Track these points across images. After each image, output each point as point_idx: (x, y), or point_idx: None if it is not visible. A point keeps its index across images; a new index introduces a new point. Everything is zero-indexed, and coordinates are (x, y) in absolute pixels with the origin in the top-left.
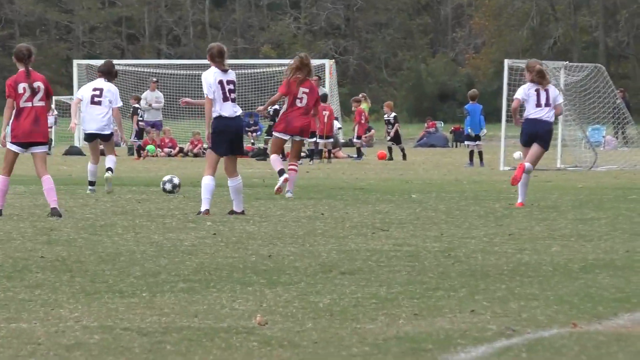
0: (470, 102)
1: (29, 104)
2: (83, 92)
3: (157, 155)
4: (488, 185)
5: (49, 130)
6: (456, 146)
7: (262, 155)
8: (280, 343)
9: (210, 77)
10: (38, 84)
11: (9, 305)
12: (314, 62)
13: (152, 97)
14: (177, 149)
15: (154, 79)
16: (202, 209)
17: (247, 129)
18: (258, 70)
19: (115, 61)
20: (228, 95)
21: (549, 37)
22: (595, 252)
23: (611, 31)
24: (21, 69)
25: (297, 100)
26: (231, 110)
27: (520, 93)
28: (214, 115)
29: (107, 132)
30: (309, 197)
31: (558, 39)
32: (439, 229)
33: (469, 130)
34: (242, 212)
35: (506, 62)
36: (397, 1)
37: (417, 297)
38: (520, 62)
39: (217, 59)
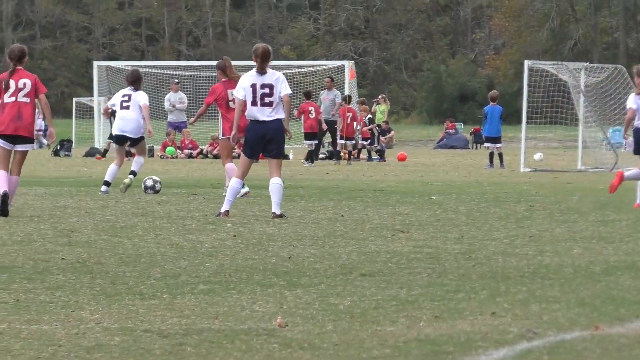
0: (491, 103)
1: (13, 99)
2: (114, 101)
3: (177, 157)
4: (508, 187)
5: (38, 132)
6: (476, 148)
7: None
8: (300, 345)
9: (245, 80)
10: (24, 81)
11: (29, 307)
12: (334, 64)
13: (175, 99)
14: (197, 150)
15: (176, 81)
16: (222, 209)
17: None
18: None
19: (135, 63)
20: (258, 99)
21: (569, 38)
22: (617, 254)
23: (632, 32)
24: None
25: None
26: (258, 113)
27: (631, 102)
28: (247, 117)
29: (137, 135)
30: (329, 199)
31: (578, 39)
32: (460, 230)
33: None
34: (280, 216)
35: (526, 63)
36: (417, 2)
37: (438, 299)
38: (540, 63)
39: (258, 59)
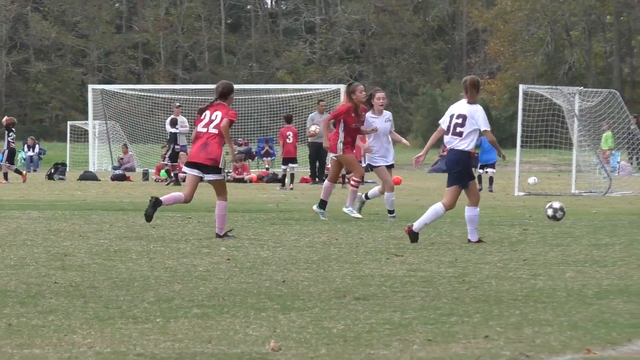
0: None
1: (204, 130)
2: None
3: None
4: (503, 210)
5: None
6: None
7: (276, 180)
8: None
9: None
10: (217, 114)
11: (22, 331)
12: (329, 87)
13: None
14: None
15: (177, 104)
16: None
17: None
18: (273, 96)
19: (130, 86)
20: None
21: (564, 62)
22: (610, 277)
23: (626, 57)
24: None
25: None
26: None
27: None
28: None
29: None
30: (324, 223)
31: (573, 64)
32: (454, 254)
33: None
34: (478, 241)
35: (521, 87)
36: (412, 26)
37: (431, 322)
38: (535, 87)
39: (466, 90)
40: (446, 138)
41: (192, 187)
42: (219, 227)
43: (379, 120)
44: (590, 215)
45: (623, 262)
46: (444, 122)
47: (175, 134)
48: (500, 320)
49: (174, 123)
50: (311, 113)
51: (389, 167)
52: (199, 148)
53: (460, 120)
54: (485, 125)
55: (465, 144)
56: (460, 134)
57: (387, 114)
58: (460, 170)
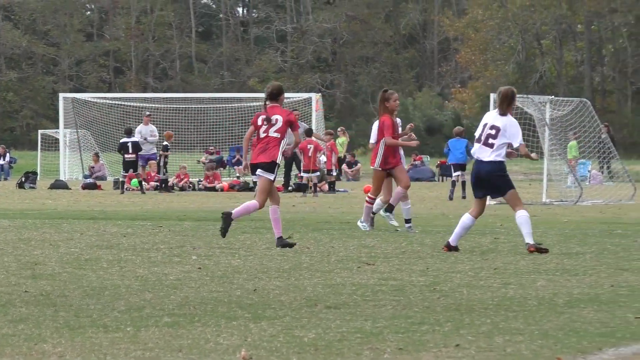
0: (456, 137)
1: (265, 134)
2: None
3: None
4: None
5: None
6: (442, 180)
7: (248, 189)
8: None
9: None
10: (276, 117)
11: None
12: (301, 96)
13: (147, 131)
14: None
15: (147, 113)
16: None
17: (232, 162)
18: (244, 104)
19: (101, 95)
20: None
21: (535, 71)
22: (580, 286)
23: (597, 66)
24: None
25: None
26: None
27: None
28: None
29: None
30: (295, 231)
31: (544, 73)
32: (425, 263)
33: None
34: (534, 247)
35: (492, 96)
36: (383, 35)
37: (402, 331)
38: None
39: (502, 103)
40: (476, 146)
41: (272, 193)
42: (276, 230)
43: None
44: (561, 224)
45: (594, 271)
46: (477, 131)
47: (125, 143)
48: (471, 329)
49: (128, 132)
50: None
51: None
52: (258, 151)
53: (493, 132)
54: (518, 141)
55: (496, 155)
56: (491, 145)
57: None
58: (499, 180)
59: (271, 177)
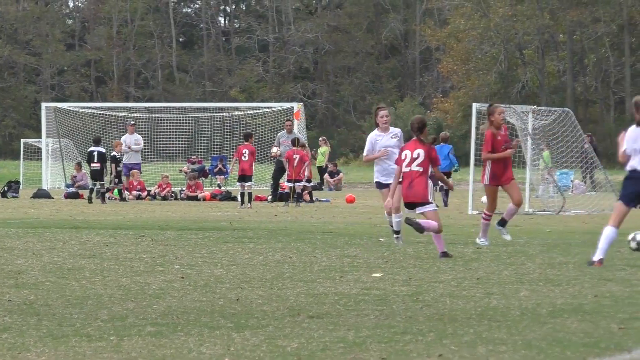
0: (442, 143)
1: (408, 169)
2: None
3: (124, 199)
4: (456, 229)
5: None
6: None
7: (230, 198)
8: None
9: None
10: (418, 152)
11: None
12: (283, 105)
13: (131, 140)
14: (146, 192)
15: (132, 122)
16: (596, 258)
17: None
18: (226, 114)
19: (83, 104)
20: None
21: (517, 81)
22: (564, 296)
23: (579, 76)
24: None
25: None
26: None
27: None
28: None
29: None
30: (278, 241)
31: (526, 83)
32: (408, 272)
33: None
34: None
35: (474, 106)
36: (365, 45)
37: (385, 341)
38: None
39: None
40: (636, 159)
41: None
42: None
43: (385, 138)
44: (544, 234)
45: (577, 281)
46: (628, 149)
47: (91, 152)
48: (454, 339)
49: (96, 141)
50: (280, 132)
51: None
52: (406, 188)
53: None
54: None
55: None
56: None
57: (395, 130)
58: None
59: (433, 208)
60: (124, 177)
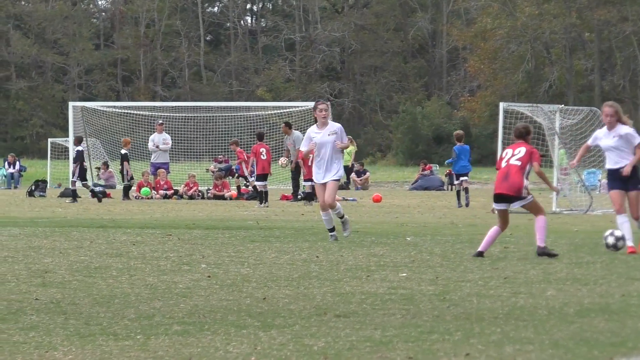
0: (458, 143)
1: (505, 163)
2: None
3: (152, 198)
4: (484, 228)
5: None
6: (451, 189)
7: (254, 198)
8: None
9: None
10: (520, 149)
11: (3, 348)
12: (309, 105)
13: (159, 139)
14: (172, 191)
15: (160, 121)
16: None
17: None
18: (253, 113)
19: (110, 103)
20: None
21: (544, 80)
22: (591, 295)
23: (607, 74)
24: None
25: None
26: None
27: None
28: None
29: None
30: (304, 240)
31: (553, 82)
32: (434, 272)
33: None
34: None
35: (501, 105)
36: (392, 44)
37: (412, 340)
38: (516, 105)
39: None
40: None
41: (503, 218)
42: (540, 237)
43: (323, 134)
44: (571, 234)
45: (604, 281)
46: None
47: (81, 151)
48: (481, 338)
49: (79, 141)
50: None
51: (327, 183)
52: (501, 179)
53: None
54: None
55: None
56: None
57: (334, 127)
58: None
59: (528, 200)
60: (151, 177)
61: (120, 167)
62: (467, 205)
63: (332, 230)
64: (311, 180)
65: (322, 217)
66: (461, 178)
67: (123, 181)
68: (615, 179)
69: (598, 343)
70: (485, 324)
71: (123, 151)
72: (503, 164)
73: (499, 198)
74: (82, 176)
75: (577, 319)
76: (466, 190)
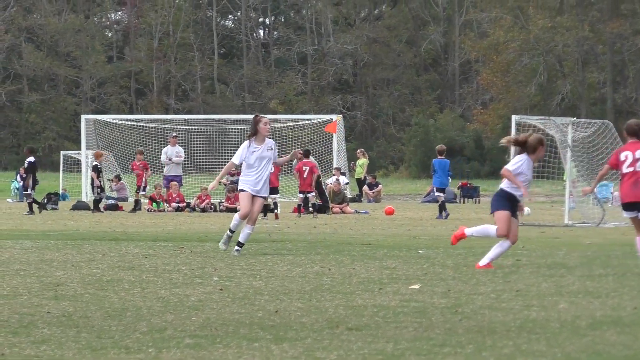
0: (439, 157)
1: (631, 169)
2: None
3: (164, 210)
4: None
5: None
6: (464, 202)
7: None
8: None
9: None
10: None
11: None
12: (322, 117)
13: (172, 152)
14: (185, 203)
15: (174, 134)
16: None
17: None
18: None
19: (123, 116)
20: None
21: (556, 93)
22: (603, 308)
23: (619, 87)
24: None
25: None
26: None
27: None
28: None
29: None
30: (317, 253)
31: (566, 95)
32: (447, 285)
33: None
34: None
35: (514, 117)
36: (404, 57)
37: (424, 353)
38: (528, 118)
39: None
40: None
41: (638, 224)
42: None
43: (262, 150)
44: (583, 246)
45: (616, 293)
46: None
47: (33, 162)
48: (493, 351)
49: (31, 151)
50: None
51: (258, 198)
52: (630, 187)
53: None
54: None
55: None
56: None
57: (269, 143)
58: None
59: None
60: (163, 189)
61: (91, 180)
62: (446, 217)
63: (232, 232)
64: (304, 192)
65: (233, 220)
66: (440, 193)
67: (93, 194)
68: None
69: (610, 356)
70: (497, 337)
71: (94, 163)
72: (627, 169)
73: (629, 206)
74: (34, 187)
75: (590, 331)
76: (443, 204)
